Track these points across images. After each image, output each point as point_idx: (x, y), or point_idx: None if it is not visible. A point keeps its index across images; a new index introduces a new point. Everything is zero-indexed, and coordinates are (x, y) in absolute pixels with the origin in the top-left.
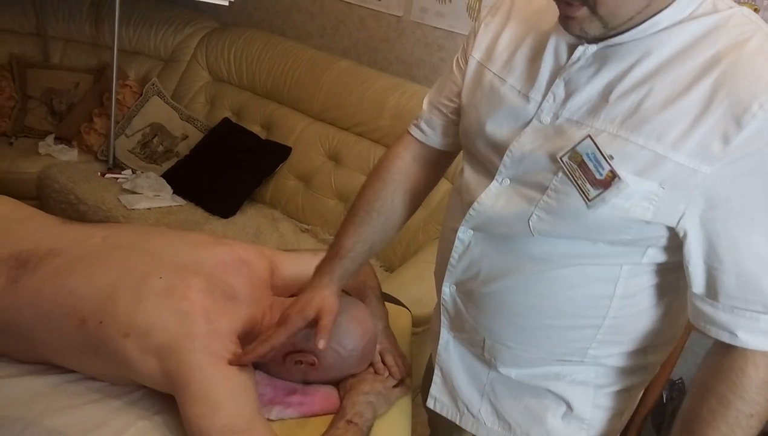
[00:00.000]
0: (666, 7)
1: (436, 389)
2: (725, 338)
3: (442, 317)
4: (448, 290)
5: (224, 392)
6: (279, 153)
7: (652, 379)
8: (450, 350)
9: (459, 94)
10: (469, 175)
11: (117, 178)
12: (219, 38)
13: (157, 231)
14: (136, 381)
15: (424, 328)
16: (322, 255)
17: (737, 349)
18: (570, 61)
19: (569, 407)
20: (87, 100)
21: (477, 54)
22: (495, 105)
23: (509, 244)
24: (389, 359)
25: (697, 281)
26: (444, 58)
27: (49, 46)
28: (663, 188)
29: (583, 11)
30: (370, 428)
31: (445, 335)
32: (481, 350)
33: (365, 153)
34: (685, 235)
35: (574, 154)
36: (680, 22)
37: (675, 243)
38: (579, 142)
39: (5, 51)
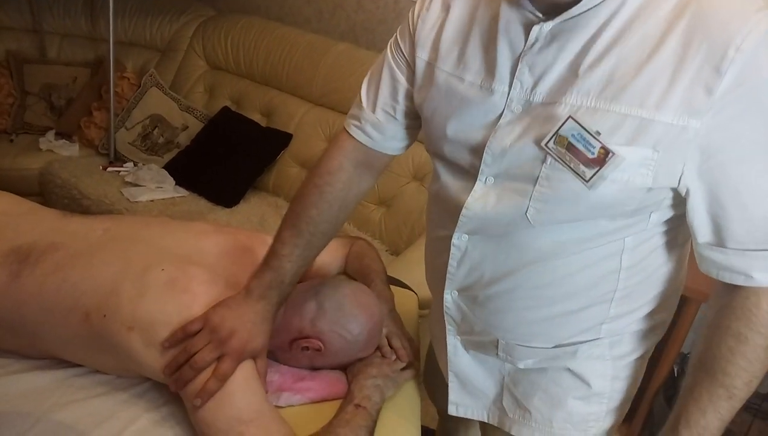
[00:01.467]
0: None
1: (455, 395)
2: (740, 281)
3: (447, 325)
4: (450, 297)
5: (229, 383)
6: (280, 140)
7: (663, 353)
8: (460, 354)
9: (406, 96)
10: (447, 179)
11: (119, 172)
12: (215, 26)
13: (159, 222)
14: (141, 374)
15: (431, 310)
16: None
17: (750, 287)
18: (528, 44)
19: (588, 385)
20: (85, 94)
21: (422, 54)
22: (456, 106)
23: (509, 241)
24: (396, 342)
25: (703, 232)
26: None
27: (45, 41)
28: (657, 152)
29: None
30: (378, 411)
31: (452, 341)
32: (495, 349)
33: None
34: (687, 192)
35: (560, 139)
36: None
37: (677, 202)
38: (561, 125)
39: (1, 48)
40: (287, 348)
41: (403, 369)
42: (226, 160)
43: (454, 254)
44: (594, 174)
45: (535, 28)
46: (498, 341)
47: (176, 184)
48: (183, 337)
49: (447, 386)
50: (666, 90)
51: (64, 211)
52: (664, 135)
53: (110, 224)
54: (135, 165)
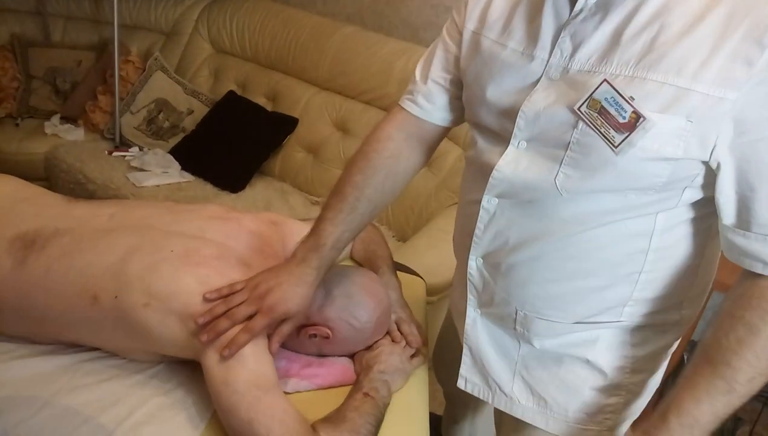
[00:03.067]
0: None
1: (466, 369)
2: (759, 268)
3: (469, 295)
4: (474, 263)
5: (248, 349)
6: (286, 125)
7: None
8: (478, 329)
9: (456, 65)
10: (483, 144)
11: (124, 156)
12: (220, 9)
13: (165, 206)
14: (155, 351)
15: (440, 296)
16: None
17: (763, 291)
18: (573, 13)
19: (606, 376)
20: (90, 78)
21: (470, 25)
22: (496, 71)
23: (537, 208)
24: (405, 328)
25: (728, 212)
26: None
27: (49, 24)
28: (691, 122)
29: None
30: (386, 406)
31: (472, 313)
32: (513, 323)
33: (373, 122)
34: (718, 166)
35: (593, 102)
36: None
37: (710, 180)
38: (596, 89)
39: (5, 31)
40: (295, 335)
41: (412, 356)
42: (232, 145)
43: (482, 217)
44: (623, 139)
45: (581, 0)
46: (516, 312)
47: (182, 169)
48: (227, 293)
49: (458, 363)
50: (705, 61)
51: (69, 196)
52: (700, 105)
53: (116, 209)
54: (140, 150)
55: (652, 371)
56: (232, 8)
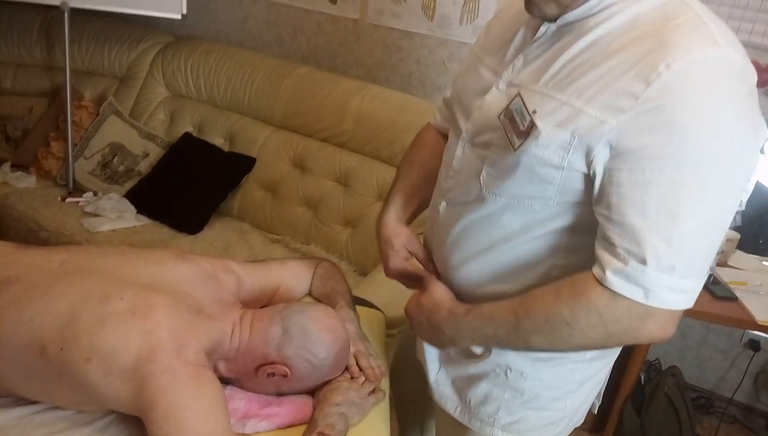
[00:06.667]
0: None
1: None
2: (597, 273)
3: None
4: (442, 206)
5: (193, 411)
6: (243, 164)
7: (629, 362)
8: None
9: None
10: (449, 143)
11: (78, 202)
12: (174, 52)
13: (117, 251)
14: (102, 406)
15: (400, 329)
16: (290, 263)
17: (584, 283)
18: (534, 38)
19: (541, 391)
20: (42, 125)
21: (475, 44)
22: (471, 78)
23: (470, 206)
24: (364, 362)
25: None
26: (403, 58)
27: None
28: (575, 137)
29: None
30: None
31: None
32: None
33: (330, 158)
34: (593, 182)
35: (507, 111)
36: (624, 0)
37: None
38: (511, 100)
39: None
40: (253, 375)
41: (371, 393)
42: (189, 187)
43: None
44: (520, 144)
45: (543, 28)
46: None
47: (137, 212)
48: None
49: (421, 371)
50: (602, 89)
51: (20, 244)
52: (586, 125)
53: (67, 255)
54: (95, 195)
55: (589, 382)
56: (187, 51)
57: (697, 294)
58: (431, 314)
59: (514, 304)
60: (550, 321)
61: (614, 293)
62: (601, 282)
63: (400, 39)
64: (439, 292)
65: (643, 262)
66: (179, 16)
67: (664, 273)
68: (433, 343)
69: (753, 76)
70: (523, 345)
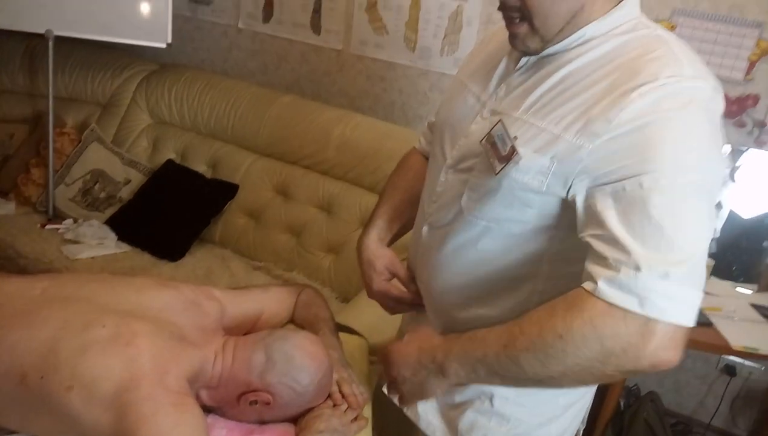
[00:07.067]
0: (591, 21)
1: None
2: (589, 286)
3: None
4: (425, 229)
5: None
6: (226, 191)
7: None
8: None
9: None
10: (431, 168)
11: (58, 229)
12: (158, 80)
13: (99, 279)
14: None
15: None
16: (272, 290)
17: (594, 294)
18: (516, 68)
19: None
20: (23, 151)
21: (459, 71)
22: (457, 105)
23: (451, 227)
24: (347, 389)
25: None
26: (386, 88)
27: None
28: (554, 162)
29: (524, 27)
30: None
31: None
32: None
33: (313, 185)
34: (574, 206)
35: (489, 137)
36: (604, 35)
37: (575, 222)
38: (493, 127)
39: None
40: (235, 403)
41: (353, 420)
42: (170, 213)
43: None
44: (501, 169)
45: (523, 59)
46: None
47: (118, 239)
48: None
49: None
50: (578, 117)
51: (0, 272)
52: (564, 150)
53: (49, 283)
54: (75, 221)
55: (556, 416)
56: (171, 79)
57: (696, 310)
58: (422, 342)
59: (507, 324)
60: (542, 335)
61: (609, 303)
62: (593, 294)
63: (383, 69)
64: (427, 328)
65: (637, 268)
66: (165, 45)
67: (659, 279)
68: (417, 384)
69: (720, 104)
70: (513, 368)
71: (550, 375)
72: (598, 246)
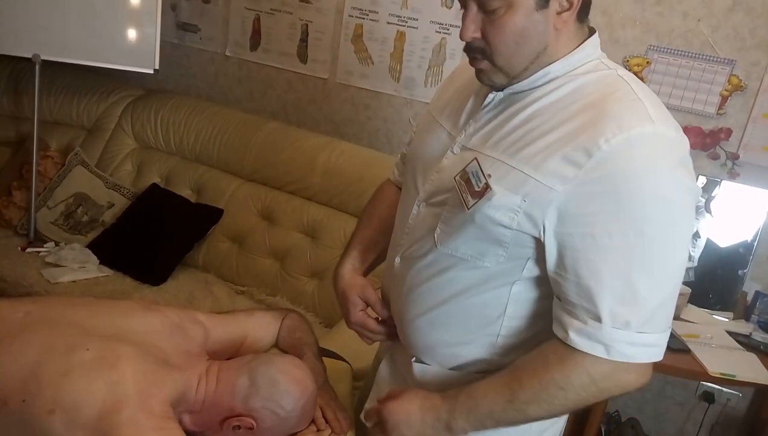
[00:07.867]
0: (556, 60)
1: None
2: (560, 334)
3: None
4: (397, 260)
5: None
6: (210, 216)
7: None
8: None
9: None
10: (404, 200)
11: (39, 252)
12: (144, 105)
13: (83, 302)
14: None
15: (365, 381)
16: (257, 315)
17: (567, 346)
18: (483, 105)
19: None
20: (5, 174)
21: (430, 105)
22: (429, 140)
23: (420, 259)
24: (330, 414)
25: (551, 283)
26: (371, 116)
27: None
28: (525, 201)
29: (485, 63)
30: None
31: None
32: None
33: (298, 211)
34: (544, 245)
35: (463, 174)
36: (568, 74)
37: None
38: (468, 164)
39: None
40: (218, 428)
41: None
42: (153, 237)
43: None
44: (474, 203)
45: (490, 96)
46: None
47: (100, 263)
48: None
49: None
50: (547, 158)
51: None
52: (534, 190)
53: (32, 306)
54: (56, 245)
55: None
56: (157, 105)
57: (663, 347)
58: (423, 401)
59: (503, 379)
60: (545, 388)
61: (582, 351)
62: (564, 342)
63: (368, 98)
64: (420, 390)
65: (598, 319)
66: (152, 71)
67: (620, 329)
68: None
69: (685, 145)
70: (521, 418)
71: (553, 415)
72: (568, 290)
